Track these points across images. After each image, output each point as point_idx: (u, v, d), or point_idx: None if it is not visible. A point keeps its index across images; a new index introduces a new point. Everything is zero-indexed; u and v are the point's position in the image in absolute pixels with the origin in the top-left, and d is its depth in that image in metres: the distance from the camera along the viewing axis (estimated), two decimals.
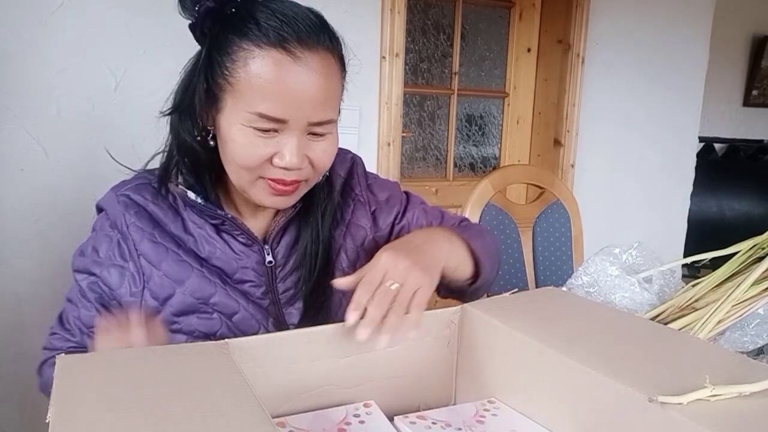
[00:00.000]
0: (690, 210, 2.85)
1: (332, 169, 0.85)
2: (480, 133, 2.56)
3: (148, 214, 0.76)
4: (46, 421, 0.43)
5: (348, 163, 0.89)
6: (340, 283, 0.67)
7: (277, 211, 0.81)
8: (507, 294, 0.72)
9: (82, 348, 0.77)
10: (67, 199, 1.59)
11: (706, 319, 0.78)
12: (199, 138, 0.74)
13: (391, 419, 0.61)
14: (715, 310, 0.79)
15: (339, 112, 0.77)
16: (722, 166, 3.68)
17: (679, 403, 0.47)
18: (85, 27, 1.55)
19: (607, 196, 2.60)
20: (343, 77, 0.76)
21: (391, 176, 2.08)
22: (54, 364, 0.71)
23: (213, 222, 0.77)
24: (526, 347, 0.61)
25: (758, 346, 0.80)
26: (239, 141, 0.69)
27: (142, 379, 0.49)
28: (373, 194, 0.89)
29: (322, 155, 0.73)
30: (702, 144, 3.44)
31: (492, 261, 0.86)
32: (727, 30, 3.45)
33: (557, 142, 2.46)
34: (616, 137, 2.58)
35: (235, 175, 0.73)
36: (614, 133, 2.57)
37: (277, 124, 0.68)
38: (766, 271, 0.81)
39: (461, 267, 0.78)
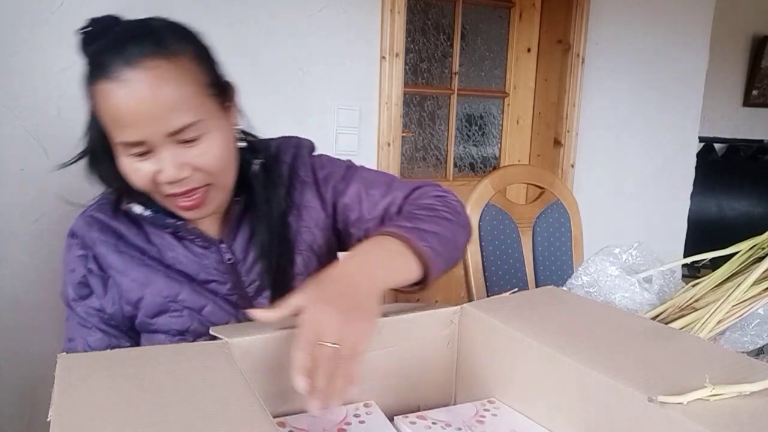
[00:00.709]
0: (690, 210, 2.85)
1: (277, 157, 0.87)
2: (480, 133, 2.56)
3: (111, 229, 0.80)
4: (48, 420, 0.43)
5: (292, 148, 0.90)
6: (261, 317, 0.62)
7: (227, 211, 0.83)
8: (507, 294, 0.72)
9: None
10: (68, 200, 1.59)
11: (706, 319, 0.78)
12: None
13: (390, 419, 0.61)
14: (715, 310, 0.79)
15: (225, 91, 0.76)
16: (722, 166, 3.68)
17: (679, 403, 0.47)
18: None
19: (607, 196, 2.60)
20: (198, 70, 0.72)
21: None
22: None
23: (168, 230, 0.80)
24: (526, 347, 0.61)
25: (758, 346, 0.80)
26: (125, 171, 0.73)
27: (143, 378, 0.49)
28: (314, 173, 0.89)
29: (204, 158, 0.72)
30: (702, 144, 3.44)
31: (448, 253, 0.76)
32: (727, 30, 3.45)
33: (557, 142, 2.46)
34: (616, 137, 2.58)
35: (152, 196, 0.76)
36: (614, 133, 2.57)
37: (139, 147, 0.70)
38: (766, 271, 0.81)
39: (406, 277, 0.69)
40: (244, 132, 0.86)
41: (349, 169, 0.90)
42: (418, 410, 0.64)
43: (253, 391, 0.47)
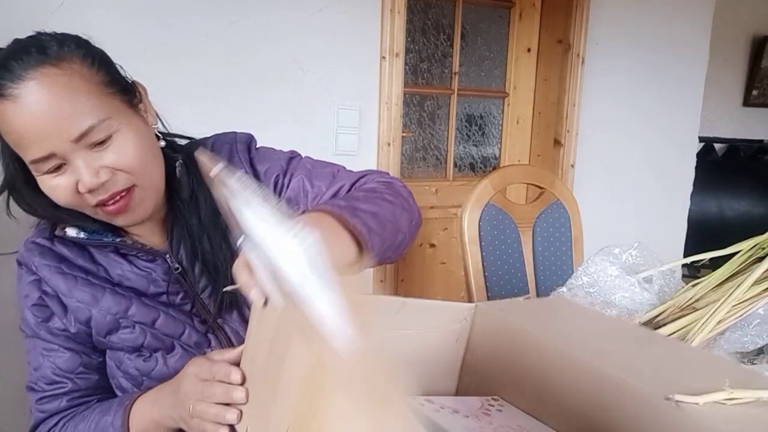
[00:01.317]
0: (690, 210, 2.85)
1: (195, 167, 0.81)
2: (480, 133, 2.56)
3: (53, 252, 0.78)
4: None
5: (227, 145, 0.87)
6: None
7: (165, 220, 0.81)
8: (521, 299, 0.73)
9: (84, 390, 0.80)
10: None
11: (707, 319, 0.78)
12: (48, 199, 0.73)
13: None
14: (716, 310, 0.79)
15: (128, 92, 0.74)
16: (722, 166, 3.67)
17: (696, 404, 0.46)
18: (84, 27, 1.53)
19: (607, 196, 2.60)
20: (92, 72, 0.69)
21: None
22: (61, 427, 0.77)
23: (109, 249, 0.78)
24: (536, 349, 0.61)
25: (758, 346, 0.80)
26: (46, 189, 0.70)
27: None
28: (254, 168, 0.86)
29: (120, 157, 0.69)
30: (702, 144, 3.44)
31: (387, 234, 0.73)
32: (727, 30, 3.45)
33: (557, 142, 2.46)
34: (616, 137, 2.58)
35: (82, 212, 0.73)
36: (614, 133, 2.57)
37: (51, 161, 0.67)
38: (766, 271, 0.81)
39: (341, 251, 0.66)
40: (163, 133, 0.81)
41: (291, 161, 0.87)
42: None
43: None
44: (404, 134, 2.28)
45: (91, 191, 0.68)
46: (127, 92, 0.73)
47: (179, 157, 0.80)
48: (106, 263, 0.78)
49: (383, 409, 0.36)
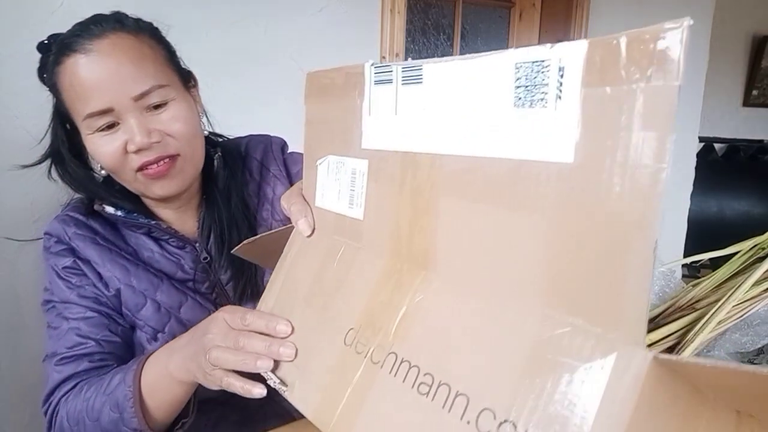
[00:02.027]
0: (690, 210, 2.85)
1: (247, 154, 0.89)
2: None
3: (88, 226, 0.79)
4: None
5: (262, 145, 0.92)
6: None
7: (198, 209, 0.84)
8: None
9: (107, 354, 0.75)
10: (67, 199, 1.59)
11: (707, 320, 0.78)
12: (90, 171, 0.80)
13: None
14: (716, 311, 0.79)
15: (186, 77, 0.80)
16: (722, 166, 3.67)
17: None
18: None
19: None
20: (160, 46, 0.77)
21: None
22: (80, 390, 0.72)
23: (142, 231, 0.80)
24: None
25: (758, 346, 0.80)
26: (94, 149, 0.73)
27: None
28: (287, 168, 0.91)
29: (173, 122, 0.73)
30: (702, 144, 3.44)
31: None
32: (727, 30, 3.45)
33: None
34: None
35: (120, 180, 0.77)
36: None
37: (107, 117, 0.71)
38: (766, 271, 0.81)
39: None
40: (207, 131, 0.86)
41: None
42: None
43: None
44: None
45: (139, 151, 0.71)
46: (184, 75, 0.80)
47: (217, 151, 0.85)
48: (136, 245, 0.80)
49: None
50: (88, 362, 0.74)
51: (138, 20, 0.76)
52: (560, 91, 0.36)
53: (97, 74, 0.69)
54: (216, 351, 0.57)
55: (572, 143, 0.36)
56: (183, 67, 0.81)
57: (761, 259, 0.86)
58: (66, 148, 0.78)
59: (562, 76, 0.36)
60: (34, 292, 1.57)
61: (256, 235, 0.81)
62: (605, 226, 0.34)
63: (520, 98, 0.39)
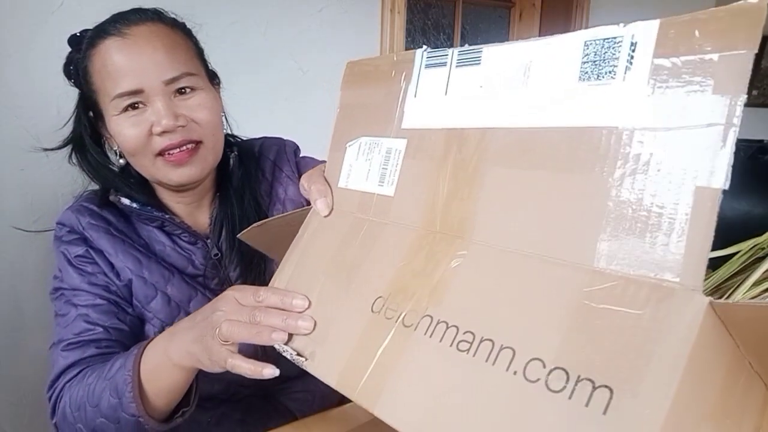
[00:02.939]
0: None
1: (261, 154, 0.91)
2: None
3: (102, 216, 0.80)
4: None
5: (275, 146, 0.94)
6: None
7: (211, 206, 0.86)
8: None
9: (114, 341, 0.74)
10: (67, 199, 1.59)
11: None
12: (109, 163, 0.81)
13: None
14: None
15: (212, 76, 0.83)
16: None
17: None
18: (84, 27, 1.54)
19: None
20: (191, 41, 0.80)
21: None
22: (84, 375, 0.71)
23: (155, 224, 0.81)
24: None
25: None
26: (119, 129, 0.74)
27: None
28: (299, 171, 0.93)
29: (199, 109, 0.75)
30: None
31: None
32: None
33: None
34: None
35: (138, 165, 0.78)
36: None
37: (137, 97, 0.73)
38: (766, 271, 0.81)
39: None
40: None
41: None
42: None
43: None
44: None
45: (164, 133, 0.73)
46: (210, 73, 0.83)
47: (234, 150, 0.87)
48: (148, 238, 0.81)
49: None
50: (95, 348, 0.73)
51: (176, 19, 0.80)
52: (630, 63, 0.38)
53: (131, 56, 0.72)
54: (227, 325, 0.54)
55: (640, 107, 0.37)
56: (210, 66, 0.84)
57: (761, 260, 0.86)
58: (88, 134, 0.80)
59: (633, 50, 0.38)
60: (34, 292, 1.57)
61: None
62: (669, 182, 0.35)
63: (586, 72, 0.40)
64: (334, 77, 1.94)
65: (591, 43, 0.40)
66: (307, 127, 1.97)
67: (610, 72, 0.39)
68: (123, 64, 0.72)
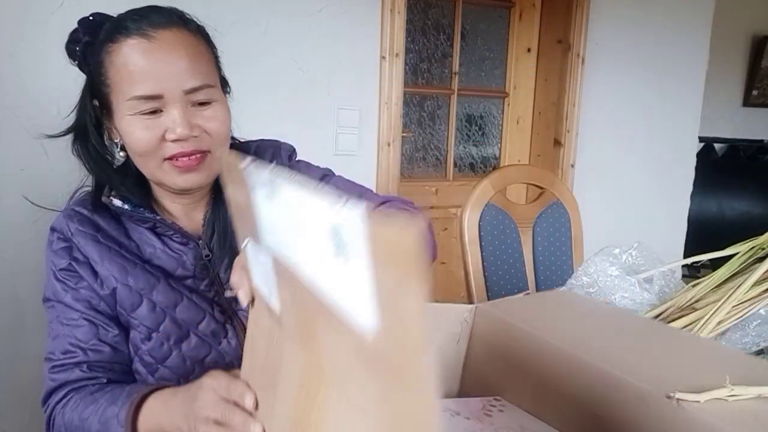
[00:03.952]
0: (690, 210, 2.85)
1: (256, 156, 0.90)
2: (480, 133, 2.56)
3: (91, 221, 0.80)
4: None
5: (271, 149, 0.94)
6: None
7: (204, 207, 0.86)
8: (521, 295, 0.73)
9: (94, 363, 0.79)
10: (67, 199, 1.59)
11: (707, 320, 0.78)
12: (110, 156, 0.81)
13: None
14: (716, 311, 0.79)
15: (224, 83, 0.84)
16: (722, 166, 3.68)
17: (697, 402, 0.46)
18: None
19: (607, 196, 2.60)
20: (211, 49, 0.81)
21: (391, 176, 2.08)
22: (71, 401, 0.75)
23: (146, 225, 0.81)
24: (537, 345, 0.61)
25: (759, 347, 0.80)
26: (130, 130, 0.75)
27: None
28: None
29: (213, 121, 0.77)
30: (702, 144, 3.44)
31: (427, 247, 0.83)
32: (727, 30, 3.45)
33: (557, 142, 2.46)
34: (616, 137, 2.58)
35: (143, 166, 0.78)
36: (614, 133, 2.57)
37: (155, 102, 0.73)
38: (766, 272, 0.81)
39: None
40: None
41: (325, 177, 0.93)
42: None
43: None
44: (404, 134, 2.28)
45: (177, 141, 0.74)
46: (222, 81, 0.83)
47: (261, 144, 0.89)
48: (139, 240, 0.81)
49: (403, 392, 0.34)
50: (80, 371, 0.78)
51: (195, 20, 0.79)
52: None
53: (156, 61, 0.72)
54: (203, 425, 0.59)
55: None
56: (222, 73, 0.84)
57: (761, 260, 0.86)
58: (92, 124, 0.80)
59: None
60: (34, 292, 1.57)
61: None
62: None
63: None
64: (334, 77, 1.94)
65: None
66: (306, 127, 1.97)
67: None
68: (146, 67, 0.72)
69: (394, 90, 2.02)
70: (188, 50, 0.74)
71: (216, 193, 0.86)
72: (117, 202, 0.80)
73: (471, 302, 1.40)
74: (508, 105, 2.56)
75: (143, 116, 0.74)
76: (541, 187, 1.54)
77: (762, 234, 0.90)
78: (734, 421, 0.44)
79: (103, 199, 0.81)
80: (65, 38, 0.86)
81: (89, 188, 0.85)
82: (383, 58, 1.99)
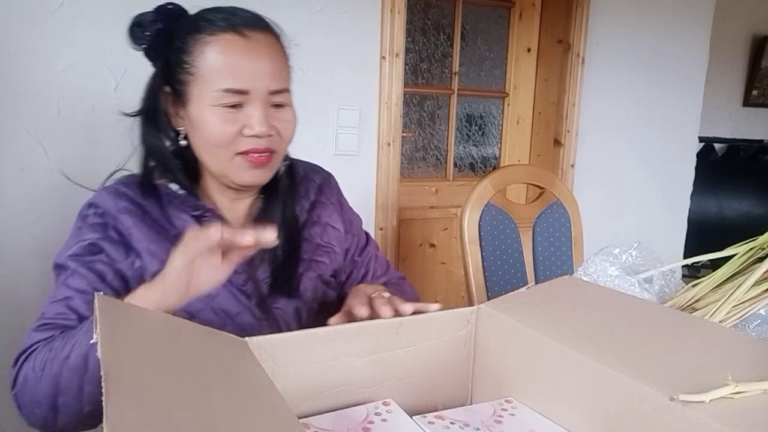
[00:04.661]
0: (690, 210, 2.85)
1: (307, 175, 0.95)
2: (480, 133, 2.56)
3: (136, 203, 0.81)
4: (92, 341, 0.42)
5: (323, 174, 0.99)
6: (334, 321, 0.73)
7: (251, 205, 0.88)
8: (523, 289, 0.72)
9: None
10: (67, 199, 1.59)
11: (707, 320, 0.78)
12: (169, 141, 0.83)
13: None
14: (716, 311, 0.79)
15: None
16: (722, 166, 3.68)
17: (702, 401, 0.46)
18: (85, 27, 1.55)
19: (607, 196, 2.60)
20: (288, 59, 0.85)
21: (391, 176, 2.08)
22: (34, 352, 0.73)
23: (194, 214, 0.82)
24: (543, 346, 0.60)
25: None
26: (211, 120, 0.77)
27: (174, 353, 0.47)
28: (343, 210, 0.98)
29: (286, 124, 0.81)
30: (702, 144, 3.44)
31: None
32: (727, 30, 3.45)
33: (557, 142, 2.46)
34: (616, 137, 2.58)
35: (212, 158, 0.80)
36: (614, 133, 2.57)
37: (241, 97, 0.77)
38: (766, 272, 0.81)
39: None
40: None
41: (367, 234, 1.02)
42: (436, 410, 0.63)
43: (277, 390, 0.47)
44: (404, 134, 2.28)
45: (255, 136, 0.78)
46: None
47: (287, 159, 0.91)
48: (182, 228, 0.81)
49: None
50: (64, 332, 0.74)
51: (273, 24, 0.85)
52: None
53: (251, 59, 0.77)
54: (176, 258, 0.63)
55: None
56: None
57: (760, 260, 0.86)
58: (163, 110, 0.82)
59: None
60: (34, 292, 1.57)
61: (299, 244, 0.88)
62: None
63: None
64: (334, 77, 1.94)
65: None
66: (307, 127, 1.97)
67: None
68: (240, 63, 0.76)
69: (394, 90, 2.02)
70: (275, 54, 0.80)
71: (266, 192, 0.88)
72: (174, 186, 0.82)
73: (471, 302, 1.40)
74: (508, 105, 2.56)
75: (224, 108, 0.77)
76: (541, 187, 1.54)
77: (762, 234, 0.90)
78: (738, 421, 0.44)
79: (159, 181, 0.82)
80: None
81: (127, 172, 0.86)
82: (383, 57, 1.99)
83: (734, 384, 0.46)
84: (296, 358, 0.60)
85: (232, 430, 0.39)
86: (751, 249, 0.89)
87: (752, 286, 0.79)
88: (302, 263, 0.89)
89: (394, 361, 0.65)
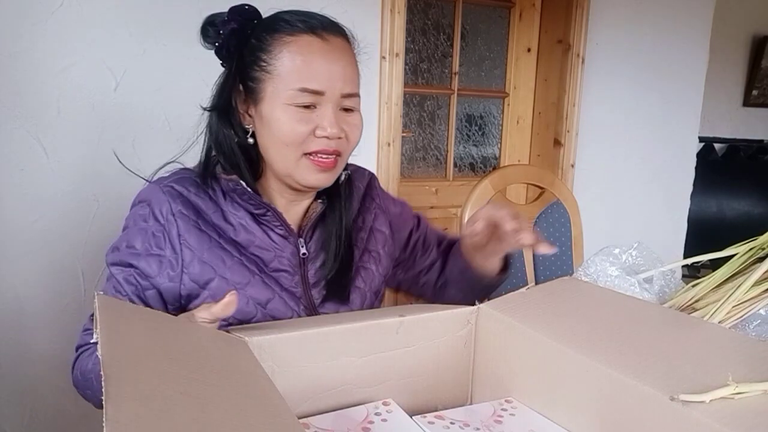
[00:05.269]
0: (690, 210, 2.85)
1: (352, 180, 0.95)
2: (480, 133, 2.56)
3: (191, 204, 0.81)
4: (93, 341, 0.43)
5: (366, 178, 1.00)
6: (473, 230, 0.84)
7: (308, 208, 0.89)
8: (523, 289, 0.72)
9: None
10: (67, 199, 1.59)
11: (707, 320, 0.78)
12: (237, 138, 0.83)
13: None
14: (716, 311, 0.79)
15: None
16: (722, 166, 3.68)
17: (702, 402, 0.46)
18: (85, 27, 1.54)
19: (607, 196, 2.60)
20: (358, 65, 0.87)
21: (391, 176, 2.08)
22: (86, 352, 0.75)
23: (254, 212, 0.82)
24: (543, 346, 0.60)
25: None
26: (283, 118, 0.78)
27: (174, 353, 0.47)
28: (387, 207, 0.99)
29: (354, 128, 0.83)
30: (702, 144, 3.44)
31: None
32: (727, 30, 3.45)
33: (557, 142, 2.46)
34: (616, 137, 2.58)
35: (280, 157, 0.81)
36: (614, 132, 2.57)
37: (315, 97, 0.78)
38: (766, 272, 0.81)
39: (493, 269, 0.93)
40: None
41: (417, 215, 1.05)
42: (436, 410, 0.63)
43: (277, 390, 0.47)
44: (404, 134, 2.27)
45: (325, 138, 0.79)
46: None
47: (348, 166, 0.93)
48: (237, 225, 0.82)
49: None
50: None
51: (348, 30, 0.88)
52: None
53: (330, 61, 0.79)
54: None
55: None
56: None
57: (761, 260, 0.86)
58: (236, 107, 0.83)
59: None
60: (34, 292, 1.57)
61: (351, 250, 0.89)
62: None
63: None
64: None
65: None
66: None
67: None
68: (318, 64, 0.78)
69: (394, 90, 2.02)
70: (350, 58, 0.83)
71: (329, 197, 0.89)
72: (242, 183, 0.82)
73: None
74: (508, 105, 2.56)
75: (298, 108, 0.78)
76: (541, 187, 1.54)
77: (762, 234, 0.90)
78: (739, 422, 0.44)
79: (223, 174, 0.82)
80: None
81: (180, 165, 0.85)
82: (383, 58, 1.99)
83: (735, 384, 0.46)
84: (296, 358, 0.60)
85: (232, 430, 0.39)
86: (751, 249, 0.89)
87: (752, 286, 0.79)
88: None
89: (394, 361, 0.65)
